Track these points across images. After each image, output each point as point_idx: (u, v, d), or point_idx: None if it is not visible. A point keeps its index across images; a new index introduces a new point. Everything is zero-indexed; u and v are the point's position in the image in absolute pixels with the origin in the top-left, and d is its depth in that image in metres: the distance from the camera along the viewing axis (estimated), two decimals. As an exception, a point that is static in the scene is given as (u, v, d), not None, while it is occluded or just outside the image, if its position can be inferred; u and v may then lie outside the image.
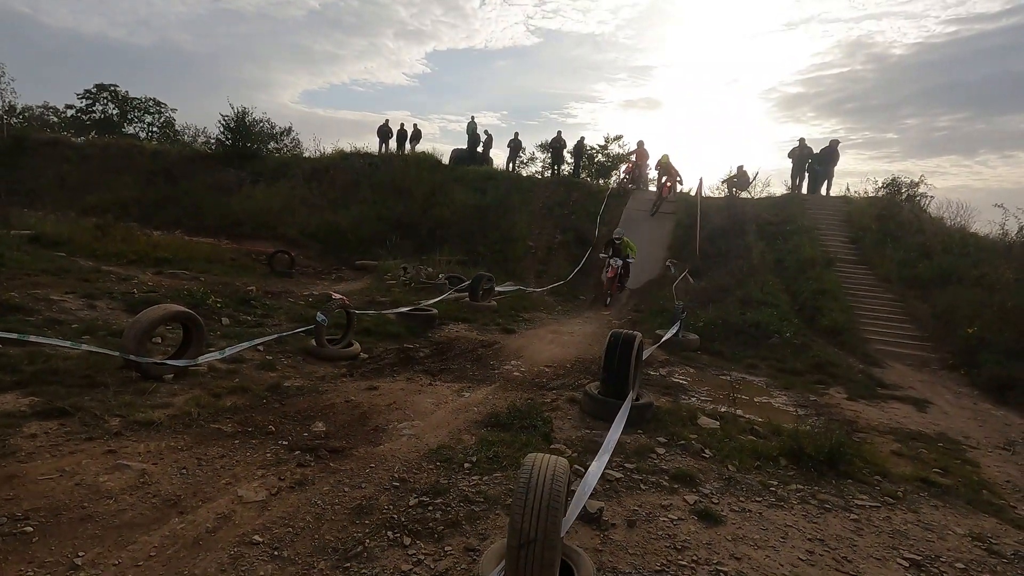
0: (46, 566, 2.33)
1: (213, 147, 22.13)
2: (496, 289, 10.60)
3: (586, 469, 3.12)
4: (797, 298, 10.50)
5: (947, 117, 63.83)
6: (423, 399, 4.92)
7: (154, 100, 33.09)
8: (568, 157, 21.78)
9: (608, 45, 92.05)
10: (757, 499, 3.53)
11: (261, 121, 21.32)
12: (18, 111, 25.17)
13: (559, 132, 21.12)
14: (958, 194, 76.11)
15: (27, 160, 20.68)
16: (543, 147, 23.92)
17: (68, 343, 4.36)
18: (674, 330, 7.94)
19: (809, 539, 3.12)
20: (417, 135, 22.16)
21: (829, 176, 16.65)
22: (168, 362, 4.54)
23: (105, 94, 31.88)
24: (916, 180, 16.05)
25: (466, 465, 3.60)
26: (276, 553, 2.56)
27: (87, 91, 31.62)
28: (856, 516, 3.46)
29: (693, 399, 5.77)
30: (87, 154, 21.73)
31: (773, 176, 44.89)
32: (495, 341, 7.64)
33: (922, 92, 64.07)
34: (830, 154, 16.43)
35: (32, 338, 4.33)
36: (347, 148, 21.30)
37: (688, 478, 3.69)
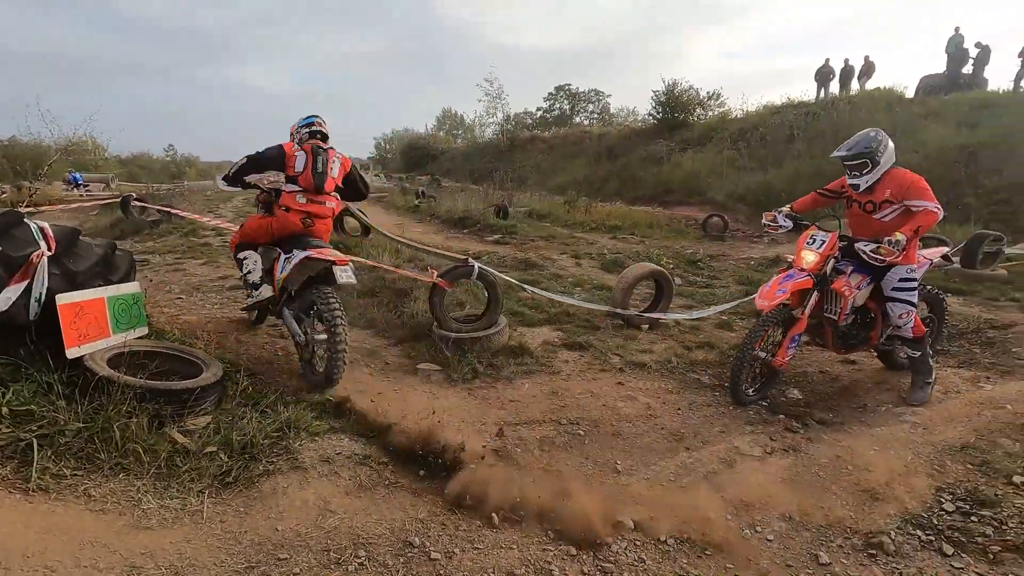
0: (597, 463, 2.95)
1: (645, 122, 24.12)
2: (1005, 253, 7.88)
3: None
4: None
5: None
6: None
7: (595, 91, 38.52)
8: None
9: None
10: None
11: (688, 89, 21.86)
12: (511, 118, 33.52)
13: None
14: None
15: (516, 154, 27.54)
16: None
17: (571, 300, 5.48)
18: None
19: None
20: (869, 69, 18.47)
21: None
22: (645, 314, 5.16)
23: (561, 93, 38.97)
24: None
25: (1016, 479, 2.76)
26: (787, 514, 2.53)
27: (549, 93, 39.40)
28: None
29: None
30: (552, 144, 27.37)
31: None
32: (1014, 322, 5.68)
33: None
34: None
35: (549, 295, 5.62)
36: (777, 101, 19.66)
37: None
